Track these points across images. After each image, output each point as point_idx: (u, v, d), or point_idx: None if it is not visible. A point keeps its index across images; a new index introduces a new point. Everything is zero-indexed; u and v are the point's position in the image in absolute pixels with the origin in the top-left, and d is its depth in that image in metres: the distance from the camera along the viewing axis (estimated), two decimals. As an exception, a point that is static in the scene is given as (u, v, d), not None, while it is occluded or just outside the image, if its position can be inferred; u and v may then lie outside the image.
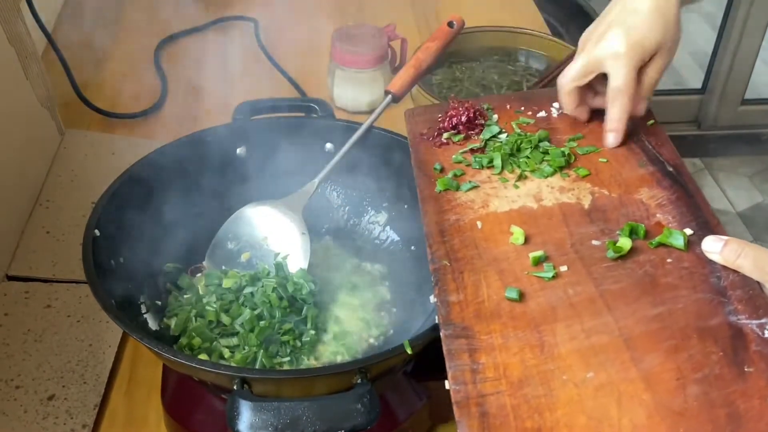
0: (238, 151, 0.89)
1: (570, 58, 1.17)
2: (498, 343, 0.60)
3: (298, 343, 0.76)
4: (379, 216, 0.91)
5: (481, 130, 0.81)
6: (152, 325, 0.78)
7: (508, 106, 0.85)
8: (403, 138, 0.87)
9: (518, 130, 0.81)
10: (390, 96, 0.89)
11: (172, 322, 0.78)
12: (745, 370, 0.56)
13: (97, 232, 0.74)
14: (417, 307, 0.82)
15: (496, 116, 0.83)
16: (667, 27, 0.75)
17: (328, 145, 0.90)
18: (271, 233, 0.84)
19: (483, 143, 0.79)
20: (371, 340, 0.80)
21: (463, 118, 0.81)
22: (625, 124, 0.77)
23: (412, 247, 0.88)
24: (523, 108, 0.84)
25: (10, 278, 0.92)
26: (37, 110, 1.05)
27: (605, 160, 0.76)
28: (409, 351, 0.65)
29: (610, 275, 0.64)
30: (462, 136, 0.81)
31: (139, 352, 0.87)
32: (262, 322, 0.76)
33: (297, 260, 0.81)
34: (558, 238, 0.68)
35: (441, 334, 0.61)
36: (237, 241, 0.84)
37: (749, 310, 0.60)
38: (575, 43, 1.16)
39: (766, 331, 0.59)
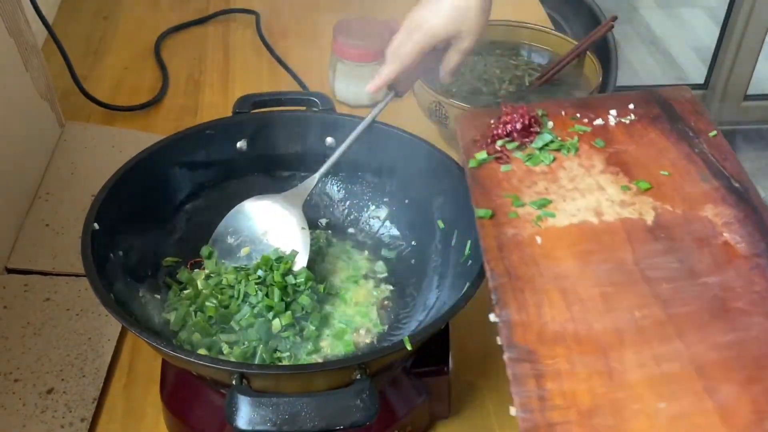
0: (239, 144, 0.89)
1: (572, 52, 1.17)
2: (564, 368, 0.58)
3: (298, 339, 0.76)
4: (380, 211, 0.91)
5: (534, 140, 0.79)
6: (151, 319, 0.78)
7: (563, 113, 0.83)
8: (404, 132, 0.87)
9: (575, 140, 0.79)
10: (392, 92, 0.89)
11: (172, 317, 0.78)
12: None
13: (96, 225, 0.73)
14: (417, 302, 0.82)
15: (551, 123, 0.81)
16: (464, 18, 0.84)
17: (329, 139, 0.90)
18: (271, 228, 0.83)
19: (531, 152, 0.78)
20: (371, 336, 0.80)
21: (518, 126, 0.79)
22: (385, 81, 0.88)
23: (413, 242, 0.88)
24: (578, 115, 0.82)
25: (10, 271, 0.92)
26: (37, 102, 1.05)
27: (667, 173, 0.74)
28: (408, 347, 0.64)
29: (678, 297, 0.62)
30: (516, 144, 0.79)
31: (138, 346, 0.87)
32: (260, 319, 0.75)
33: (297, 256, 0.81)
34: (621, 256, 0.66)
35: (505, 357, 0.59)
36: (237, 236, 0.84)
37: None
38: (578, 36, 1.15)
39: None
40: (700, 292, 0.62)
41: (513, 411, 0.56)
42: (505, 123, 0.80)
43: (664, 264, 0.65)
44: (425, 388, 0.77)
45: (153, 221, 0.82)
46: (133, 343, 0.87)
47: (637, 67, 2.87)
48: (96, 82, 1.26)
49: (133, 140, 1.07)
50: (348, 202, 0.92)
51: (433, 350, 0.77)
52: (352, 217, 0.92)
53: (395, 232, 0.90)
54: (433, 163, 0.84)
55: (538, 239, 0.68)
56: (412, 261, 0.86)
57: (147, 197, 0.82)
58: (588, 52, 1.18)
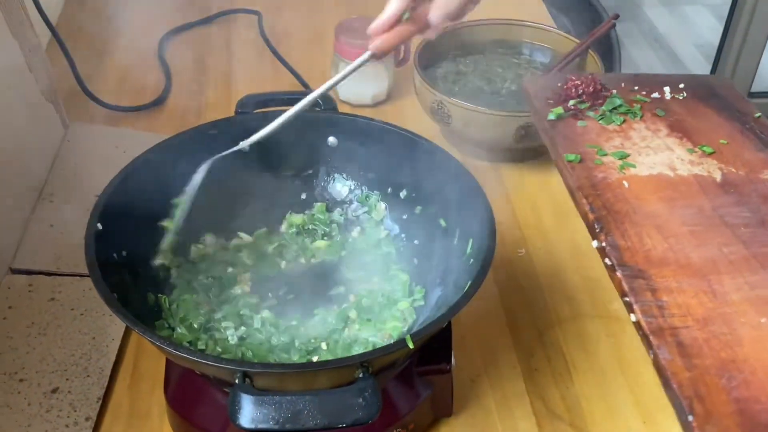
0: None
1: (575, 51, 1.17)
2: (673, 286, 0.66)
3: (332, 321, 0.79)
4: (380, 209, 0.91)
5: (603, 103, 0.88)
6: (155, 318, 0.78)
7: (622, 84, 0.92)
8: (404, 131, 0.86)
9: (638, 107, 0.88)
10: (371, 52, 0.80)
11: (177, 318, 0.78)
12: None
13: (99, 225, 0.73)
14: (418, 301, 0.83)
15: (614, 91, 0.90)
16: None
17: (332, 139, 0.90)
18: None
19: (603, 113, 0.87)
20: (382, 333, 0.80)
21: (590, 88, 0.88)
22: (392, 20, 0.77)
23: (415, 241, 0.88)
24: (636, 88, 0.92)
25: (15, 271, 0.92)
26: (41, 103, 1.05)
27: (725, 142, 0.83)
28: (410, 345, 0.65)
29: (756, 240, 0.71)
30: (587, 104, 0.87)
31: (142, 346, 0.87)
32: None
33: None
34: (699, 203, 0.75)
35: (617, 274, 0.67)
36: None
37: None
38: (580, 35, 1.15)
39: None
40: None
41: (633, 317, 0.64)
42: (576, 86, 0.89)
43: (737, 213, 0.74)
44: (428, 386, 0.77)
45: (156, 221, 0.83)
46: (137, 342, 0.88)
47: (641, 64, 2.87)
48: (100, 82, 1.26)
49: (136, 140, 1.07)
50: (351, 201, 0.92)
51: (435, 348, 0.77)
52: (353, 214, 0.92)
53: (396, 230, 0.90)
54: (435, 161, 0.84)
55: (625, 183, 0.77)
56: (415, 260, 0.86)
57: (150, 197, 0.82)
58: (590, 50, 1.18)
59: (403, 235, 0.89)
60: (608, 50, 1.42)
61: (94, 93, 1.20)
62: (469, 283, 0.70)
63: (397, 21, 0.78)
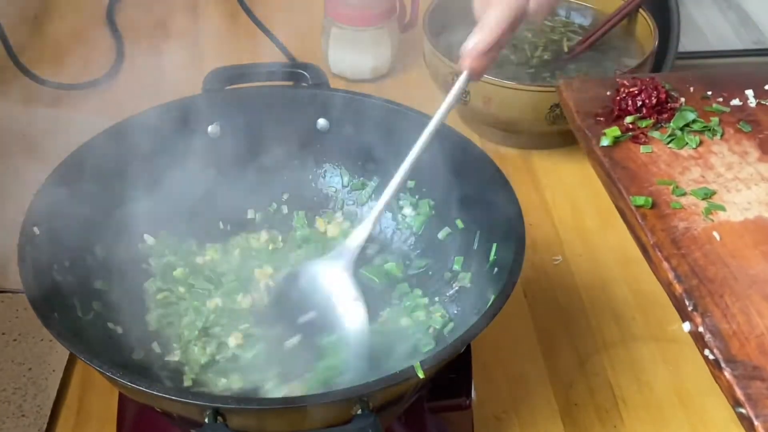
0: (210, 129, 0.89)
1: (621, 10, 1.17)
2: None
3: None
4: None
5: (671, 117, 0.82)
6: (105, 343, 0.79)
7: (691, 89, 0.86)
8: (413, 111, 0.87)
9: (716, 121, 0.82)
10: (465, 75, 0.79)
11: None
12: None
13: (36, 230, 0.74)
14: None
15: (683, 99, 0.85)
16: None
17: (322, 121, 0.90)
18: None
19: (672, 132, 0.81)
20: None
21: (654, 99, 0.82)
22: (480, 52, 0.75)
23: (423, 245, 0.88)
24: (710, 93, 0.86)
25: (-69, 287, 0.93)
26: (-38, 80, 1.06)
27: None
28: (420, 375, 0.65)
29: None
30: (650, 121, 0.82)
31: (89, 378, 0.88)
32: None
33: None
34: None
35: (725, 374, 0.61)
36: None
37: None
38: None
39: None
40: None
41: None
42: (633, 96, 0.83)
43: None
44: (442, 426, 0.78)
45: (106, 224, 0.83)
46: (84, 373, 0.88)
47: (705, 29, 2.85)
48: (36, 54, 1.27)
49: (81, 125, 1.07)
50: (351, 193, 0.93)
51: (452, 379, 0.77)
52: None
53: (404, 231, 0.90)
54: (450, 147, 0.84)
55: (716, 235, 0.71)
56: (424, 266, 0.87)
57: (98, 196, 0.82)
58: (640, 10, 1.18)
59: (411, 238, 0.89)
60: (664, 11, 1.41)
61: (28, 67, 1.20)
62: (493, 298, 0.70)
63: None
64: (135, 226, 0.86)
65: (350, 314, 0.77)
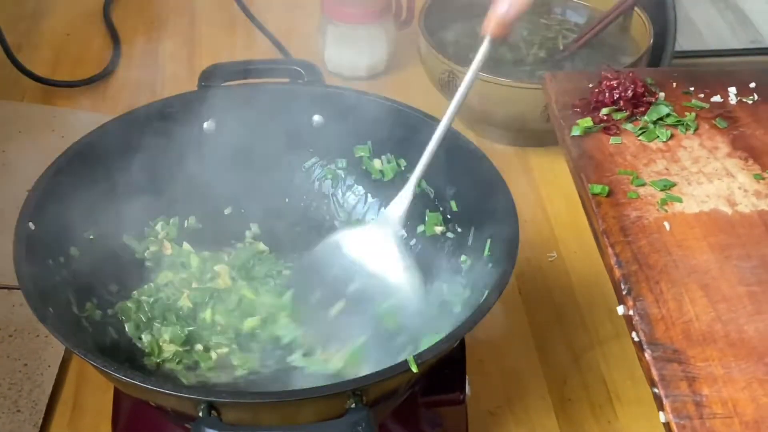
0: (205, 125, 0.89)
1: (616, 8, 1.17)
2: (719, 373, 0.62)
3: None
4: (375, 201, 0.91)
5: (647, 110, 0.83)
6: (101, 339, 0.79)
7: (673, 84, 0.87)
8: (403, 106, 0.87)
9: (692, 116, 0.83)
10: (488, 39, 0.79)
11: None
12: None
13: (32, 225, 0.74)
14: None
15: (662, 94, 0.86)
16: None
17: (317, 118, 0.91)
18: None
19: (644, 125, 0.82)
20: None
21: (629, 93, 0.83)
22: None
23: (413, 240, 0.88)
24: (692, 89, 0.87)
25: (-73, 283, 0.93)
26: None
27: None
28: (414, 369, 0.65)
29: None
30: (625, 114, 0.83)
31: (85, 373, 0.88)
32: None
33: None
34: (763, 252, 0.71)
35: (646, 355, 0.63)
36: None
37: None
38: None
39: None
40: None
41: (663, 417, 0.60)
42: (612, 89, 0.84)
43: None
44: (437, 421, 0.78)
45: (101, 220, 0.83)
46: (80, 369, 0.88)
47: (702, 27, 2.86)
48: (32, 51, 1.27)
49: (77, 122, 1.08)
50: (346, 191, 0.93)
51: (446, 373, 0.77)
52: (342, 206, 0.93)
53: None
54: (446, 144, 0.84)
55: (666, 225, 0.73)
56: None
57: (94, 191, 0.83)
58: (636, 8, 1.18)
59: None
60: (660, 9, 1.42)
61: (24, 64, 1.20)
62: (487, 293, 0.70)
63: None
64: (131, 221, 0.86)
65: (404, 281, 0.78)
